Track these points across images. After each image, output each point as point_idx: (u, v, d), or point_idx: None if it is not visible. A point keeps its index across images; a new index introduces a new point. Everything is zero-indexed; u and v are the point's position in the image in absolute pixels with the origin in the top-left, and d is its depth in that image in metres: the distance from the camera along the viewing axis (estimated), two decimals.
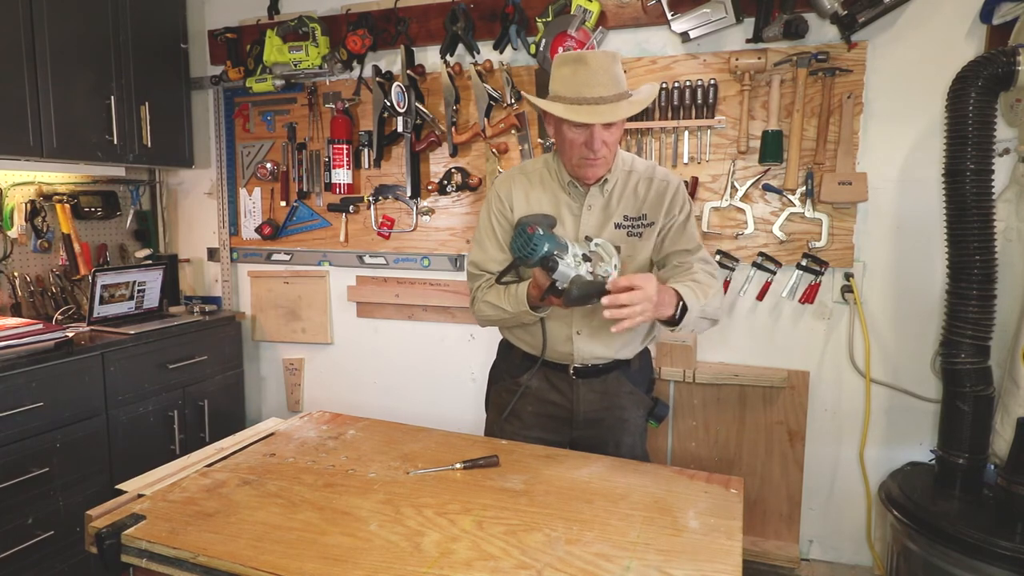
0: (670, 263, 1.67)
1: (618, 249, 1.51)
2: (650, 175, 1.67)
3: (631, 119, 2.39)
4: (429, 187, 2.80)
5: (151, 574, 1.16)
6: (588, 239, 1.47)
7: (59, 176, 2.78)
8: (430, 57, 2.75)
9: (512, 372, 1.82)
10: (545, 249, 1.36)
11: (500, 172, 2.62)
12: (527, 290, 1.57)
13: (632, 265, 1.65)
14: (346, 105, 2.85)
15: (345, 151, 2.83)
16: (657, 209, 1.64)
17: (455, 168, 2.74)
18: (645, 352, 1.82)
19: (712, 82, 2.38)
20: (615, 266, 1.42)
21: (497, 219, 1.71)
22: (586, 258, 1.41)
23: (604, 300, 1.37)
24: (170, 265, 3.09)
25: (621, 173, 1.66)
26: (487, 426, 1.88)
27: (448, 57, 2.65)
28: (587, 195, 1.64)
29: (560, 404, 1.76)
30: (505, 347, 1.87)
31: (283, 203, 3.04)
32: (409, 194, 2.78)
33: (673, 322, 1.48)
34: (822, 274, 2.35)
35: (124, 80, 2.67)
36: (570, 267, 1.38)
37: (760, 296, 2.44)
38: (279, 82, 2.87)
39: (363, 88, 2.84)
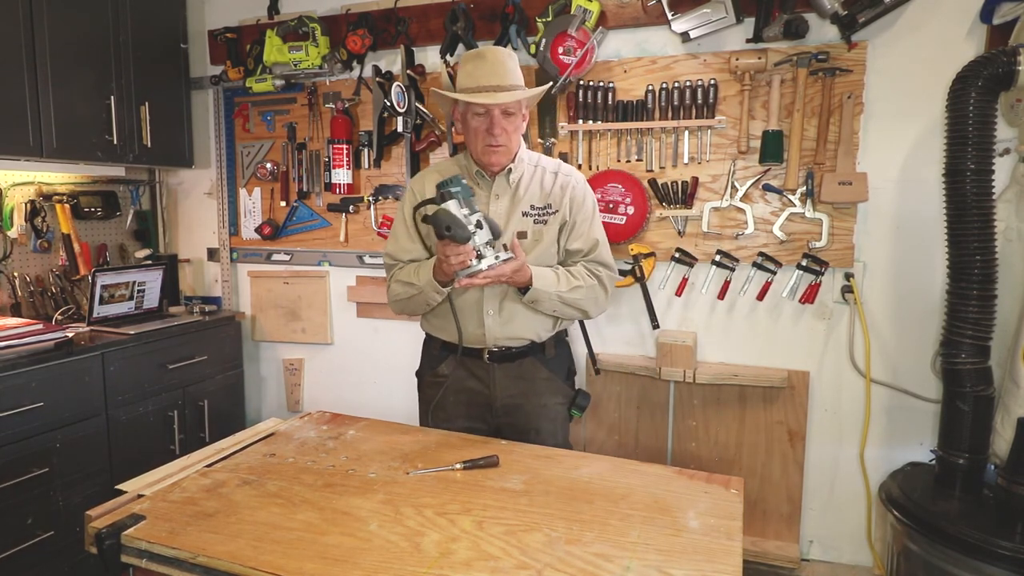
0: (567, 260, 1.86)
1: (525, 235, 1.77)
2: (555, 170, 1.86)
3: (631, 119, 2.44)
4: None
5: (151, 574, 1.16)
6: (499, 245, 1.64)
7: (59, 176, 2.78)
8: (430, 57, 2.75)
9: (432, 364, 1.92)
10: (454, 188, 1.55)
11: None
12: (433, 265, 1.68)
13: (538, 248, 1.80)
14: (346, 105, 2.85)
15: (345, 151, 2.83)
16: (560, 199, 1.82)
17: None
18: (562, 342, 1.95)
19: (712, 82, 2.38)
20: (502, 259, 1.60)
21: (408, 213, 1.82)
22: (479, 224, 1.57)
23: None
24: (170, 265, 3.09)
25: (527, 167, 1.84)
26: (420, 421, 1.96)
27: (448, 57, 2.64)
28: (494, 185, 1.80)
29: (479, 391, 1.85)
30: (426, 341, 1.98)
31: (283, 203, 3.04)
32: None
33: (521, 291, 1.72)
34: (822, 274, 2.35)
35: (124, 80, 2.67)
36: (457, 210, 1.54)
37: (760, 296, 2.44)
38: (279, 82, 2.87)
39: (363, 88, 2.84)
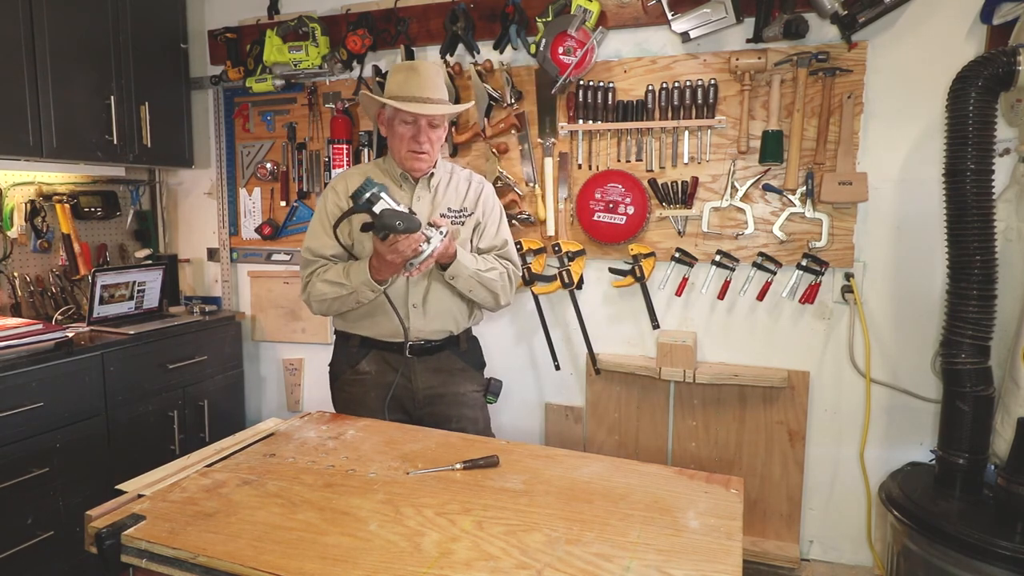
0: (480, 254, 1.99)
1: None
2: (468, 177, 2.02)
3: (631, 119, 2.44)
4: None
5: (151, 574, 1.16)
6: (431, 224, 1.72)
7: (59, 176, 2.78)
8: (430, 57, 2.75)
9: (351, 361, 1.98)
10: (375, 189, 1.57)
11: (500, 172, 2.62)
12: (369, 262, 1.74)
13: (456, 243, 1.87)
14: (346, 105, 2.85)
15: (345, 151, 2.83)
16: (475, 204, 1.98)
17: None
18: (473, 337, 2.08)
19: (712, 82, 2.38)
20: (444, 233, 1.70)
21: (331, 211, 1.90)
22: (412, 211, 1.63)
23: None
24: (170, 265, 3.09)
25: (444, 174, 1.98)
26: None
27: (448, 57, 2.65)
28: (416, 187, 1.92)
29: (401, 384, 1.94)
30: (341, 339, 2.04)
31: (283, 203, 3.04)
32: None
33: (442, 267, 1.82)
34: (822, 274, 2.35)
35: (124, 80, 2.67)
36: (389, 203, 1.58)
37: (760, 296, 2.44)
38: (279, 82, 2.87)
39: (363, 88, 2.83)
